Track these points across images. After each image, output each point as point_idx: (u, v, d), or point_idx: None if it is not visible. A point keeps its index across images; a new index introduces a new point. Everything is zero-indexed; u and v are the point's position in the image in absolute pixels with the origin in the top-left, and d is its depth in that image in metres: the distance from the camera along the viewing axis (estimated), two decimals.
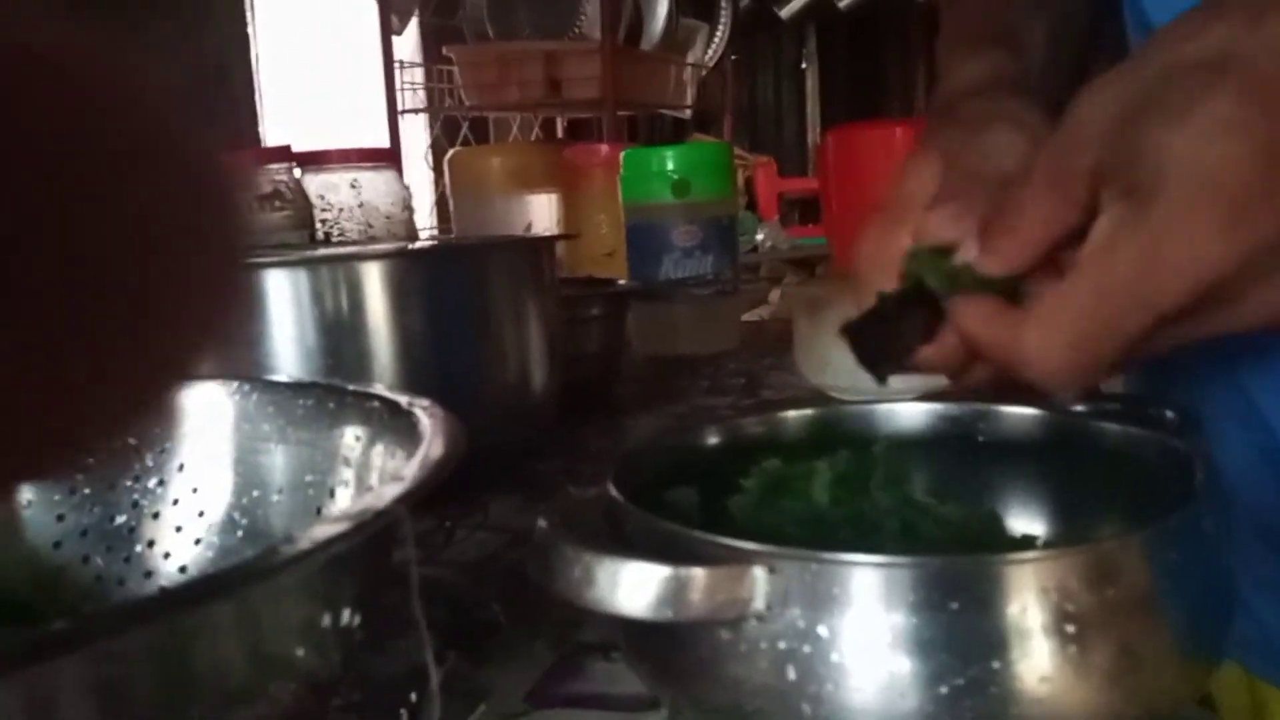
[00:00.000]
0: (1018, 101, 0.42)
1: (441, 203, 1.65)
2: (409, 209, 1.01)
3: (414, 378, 0.63)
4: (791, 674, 0.29)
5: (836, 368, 0.82)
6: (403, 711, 0.40)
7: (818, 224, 2.31)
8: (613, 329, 0.91)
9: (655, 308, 1.02)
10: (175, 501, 0.45)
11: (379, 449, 0.39)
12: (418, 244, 0.86)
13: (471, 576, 0.54)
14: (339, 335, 0.61)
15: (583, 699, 0.40)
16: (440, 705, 0.40)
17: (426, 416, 0.36)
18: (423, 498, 0.28)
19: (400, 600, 0.48)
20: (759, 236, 2.17)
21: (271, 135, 1.00)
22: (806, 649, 0.29)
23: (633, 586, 0.29)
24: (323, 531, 0.24)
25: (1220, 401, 0.47)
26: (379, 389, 0.40)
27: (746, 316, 1.14)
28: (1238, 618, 0.32)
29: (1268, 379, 0.45)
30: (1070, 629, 0.28)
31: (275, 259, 0.62)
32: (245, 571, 0.22)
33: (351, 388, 0.41)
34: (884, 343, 0.39)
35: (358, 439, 0.40)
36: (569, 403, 0.78)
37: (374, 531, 0.26)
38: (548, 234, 1.05)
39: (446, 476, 0.29)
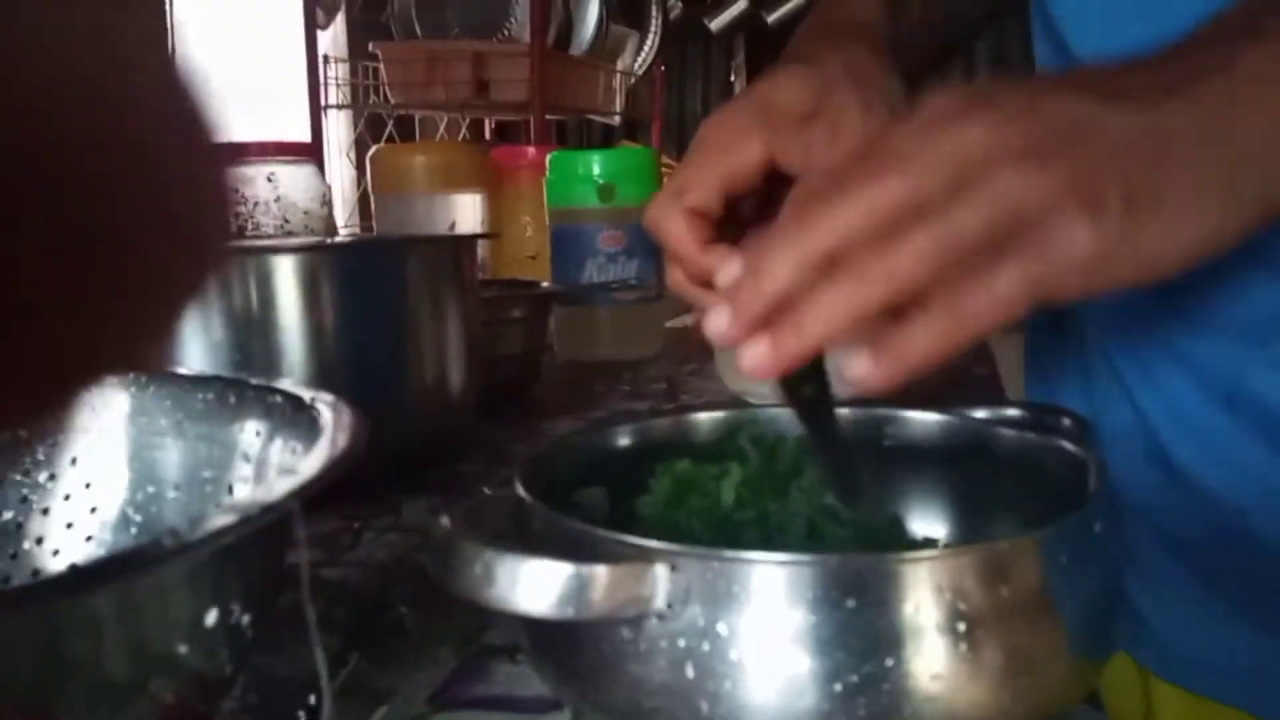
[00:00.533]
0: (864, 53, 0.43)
1: (364, 201, 1.62)
2: (328, 205, 0.99)
3: (326, 376, 0.62)
4: (690, 672, 0.29)
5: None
6: (300, 714, 0.39)
7: None
8: (534, 332, 0.91)
9: (578, 312, 1.01)
10: (66, 497, 0.43)
11: (279, 444, 0.38)
12: (333, 239, 0.85)
13: (379, 578, 0.53)
14: (247, 330, 0.60)
15: (486, 701, 0.40)
16: (340, 707, 0.39)
17: (329, 411, 0.35)
18: (330, 496, 0.27)
19: (297, 600, 0.47)
20: None
21: None
22: (705, 647, 0.29)
23: (533, 585, 0.29)
24: (210, 524, 0.23)
25: (1111, 404, 0.49)
26: (282, 384, 0.39)
27: (670, 323, 1.14)
28: (1129, 618, 0.33)
29: (1137, 366, 0.46)
30: (963, 627, 0.28)
31: None
32: (126, 562, 0.21)
33: (254, 381, 0.40)
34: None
35: (258, 434, 0.39)
36: (488, 405, 0.78)
37: (264, 526, 0.25)
38: (469, 233, 1.04)
39: (345, 472, 0.28)
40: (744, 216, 0.45)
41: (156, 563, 0.21)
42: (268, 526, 0.26)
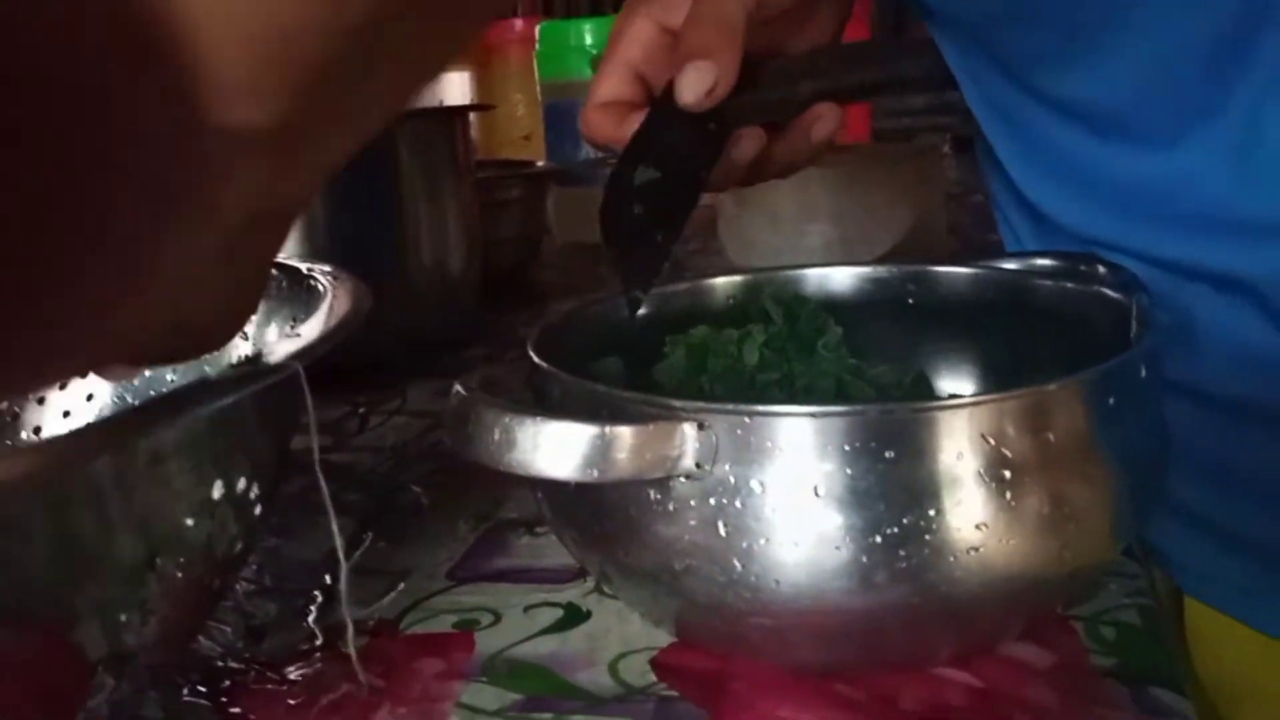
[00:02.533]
0: None
1: None
2: None
3: (321, 260, 0.59)
4: (723, 530, 0.28)
5: (762, 249, 0.81)
6: (316, 593, 0.38)
7: None
8: (532, 213, 0.88)
9: (576, 192, 0.98)
10: (60, 385, 0.41)
11: (277, 320, 0.36)
12: None
13: (390, 460, 0.52)
14: None
15: (506, 573, 0.39)
16: (359, 585, 0.39)
17: (327, 280, 0.33)
18: (333, 381, 0.25)
19: (310, 484, 0.46)
20: None
21: None
22: (738, 504, 0.28)
23: (556, 448, 0.28)
24: (210, 384, 0.21)
25: None
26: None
27: None
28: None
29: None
30: (1008, 475, 0.27)
31: None
32: (121, 423, 0.20)
33: None
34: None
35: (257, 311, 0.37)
36: (489, 290, 0.76)
37: (268, 395, 0.23)
38: (460, 105, 1.00)
39: (347, 345, 0.26)
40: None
41: (158, 421, 0.19)
42: (272, 396, 0.25)
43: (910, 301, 0.42)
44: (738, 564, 0.28)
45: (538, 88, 1.01)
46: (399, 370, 0.65)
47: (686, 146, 0.39)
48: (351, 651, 0.29)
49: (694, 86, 0.38)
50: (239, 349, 0.38)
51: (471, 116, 0.82)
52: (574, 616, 0.35)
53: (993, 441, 0.27)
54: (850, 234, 0.76)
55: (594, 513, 0.30)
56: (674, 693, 0.31)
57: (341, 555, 0.27)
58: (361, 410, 0.59)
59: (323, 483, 0.27)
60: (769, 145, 0.41)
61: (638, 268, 0.37)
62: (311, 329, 0.26)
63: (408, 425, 0.57)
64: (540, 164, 0.95)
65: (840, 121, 0.42)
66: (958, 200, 1.13)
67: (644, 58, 0.43)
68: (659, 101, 0.41)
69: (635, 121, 0.41)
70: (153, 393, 0.40)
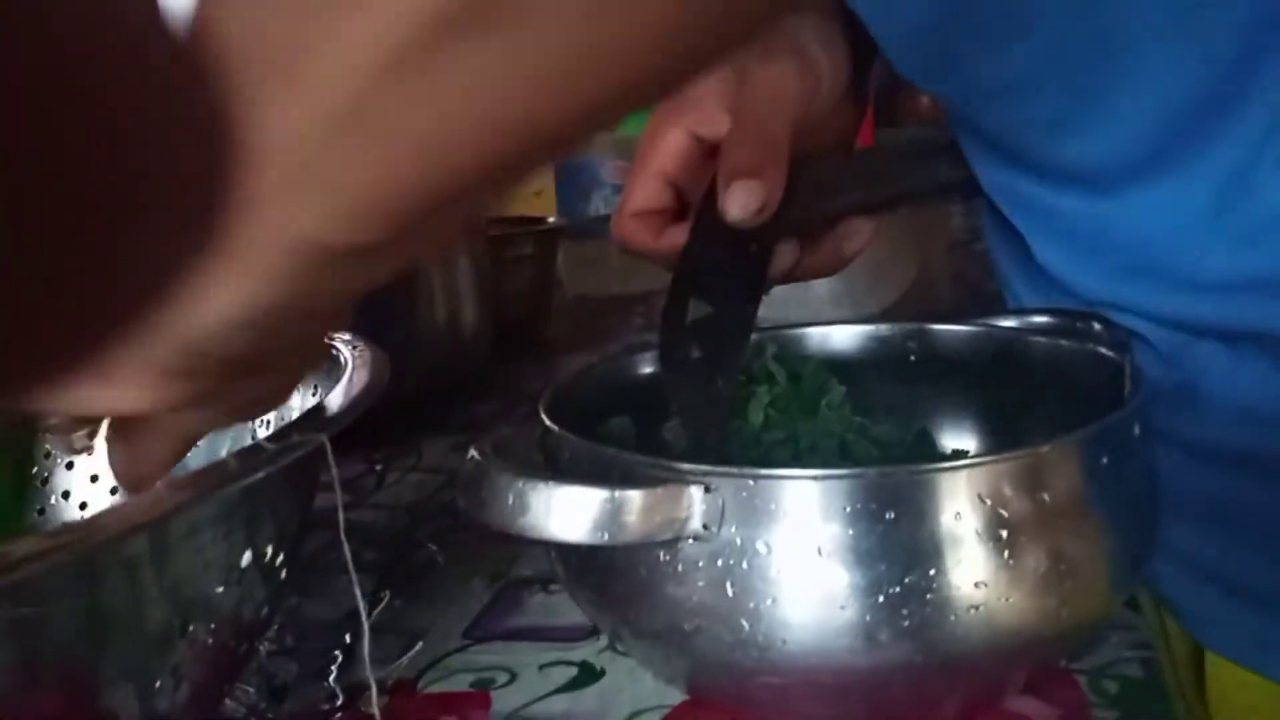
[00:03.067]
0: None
1: None
2: None
3: None
4: (730, 591, 0.29)
5: (769, 298, 0.82)
6: (337, 653, 0.39)
7: None
8: (543, 268, 0.90)
9: (586, 246, 1.00)
10: (89, 450, 0.43)
11: (299, 389, 0.38)
12: None
13: (405, 518, 0.53)
14: None
15: (521, 632, 0.40)
16: (376, 645, 0.39)
17: (346, 349, 0.34)
18: (350, 440, 0.26)
19: (329, 543, 0.47)
20: None
21: None
22: (745, 565, 0.29)
23: (567, 512, 0.29)
24: (240, 460, 0.22)
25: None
26: None
27: None
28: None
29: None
30: (1005, 535, 0.28)
31: None
32: (160, 500, 0.21)
33: None
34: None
35: None
36: (500, 344, 0.77)
37: (295, 461, 0.24)
38: None
39: (366, 411, 0.28)
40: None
41: (193, 497, 0.20)
42: (297, 464, 0.26)
43: (912, 359, 0.43)
44: (745, 624, 0.29)
45: None
46: (413, 425, 0.66)
47: (732, 273, 0.39)
48: (375, 712, 0.29)
49: (743, 204, 0.37)
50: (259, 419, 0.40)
51: None
52: (588, 675, 0.36)
53: (989, 502, 0.28)
54: (856, 286, 0.77)
55: (606, 574, 0.31)
56: None
57: (364, 617, 0.28)
58: (379, 467, 0.60)
59: (346, 548, 0.28)
60: (799, 257, 0.42)
61: (703, 421, 0.37)
62: (335, 399, 0.28)
63: (423, 482, 0.58)
64: (551, 220, 0.97)
65: (872, 236, 0.42)
66: (963, 247, 1.14)
67: (677, 167, 0.43)
68: (699, 222, 0.40)
69: (671, 233, 0.41)
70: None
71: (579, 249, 1.00)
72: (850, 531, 0.28)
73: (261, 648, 0.40)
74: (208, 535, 0.23)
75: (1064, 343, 0.39)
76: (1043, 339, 0.40)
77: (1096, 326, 0.39)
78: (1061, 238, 0.44)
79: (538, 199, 1.16)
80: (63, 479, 0.42)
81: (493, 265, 0.75)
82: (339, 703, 0.36)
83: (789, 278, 0.43)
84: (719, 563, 0.29)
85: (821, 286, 0.81)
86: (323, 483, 0.35)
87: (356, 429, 0.55)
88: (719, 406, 0.37)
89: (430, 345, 0.68)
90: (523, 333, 0.87)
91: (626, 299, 1.01)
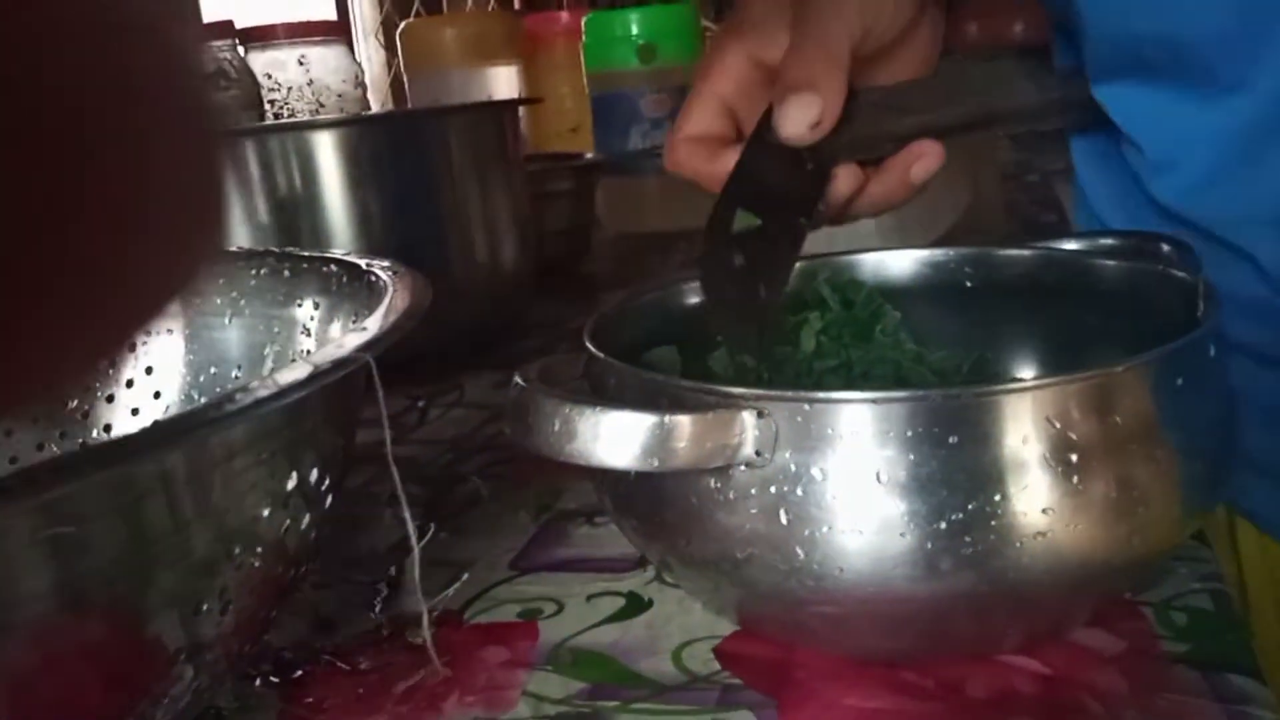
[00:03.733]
0: None
1: (396, 85, 1.58)
2: (361, 85, 0.96)
3: (376, 255, 0.60)
4: (784, 518, 0.28)
5: (815, 235, 0.80)
6: (382, 585, 0.39)
7: None
8: (582, 205, 0.88)
9: (624, 182, 0.98)
10: (129, 384, 0.43)
11: (339, 316, 0.37)
12: (371, 113, 0.82)
13: (449, 453, 0.53)
14: (292, 212, 0.58)
15: (568, 563, 0.39)
16: (423, 577, 0.39)
17: (387, 274, 0.33)
18: (392, 373, 0.26)
19: (373, 477, 0.47)
20: None
21: (209, 9, 0.93)
22: (799, 492, 0.28)
23: (616, 437, 0.28)
24: (282, 377, 0.22)
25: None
26: (335, 253, 0.38)
27: None
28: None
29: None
30: (1073, 459, 0.27)
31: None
32: (198, 418, 0.20)
33: (306, 253, 0.39)
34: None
35: (316, 306, 0.38)
36: (540, 282, 0.76)
37: (338, 383, 0.24)
38: (509, 99, 1.00)
39: (413, 327, 0.27)
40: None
41: (235, 416, 0.20)
42: (340, 389, 0.25)
43: (969, 285, 0.41)
44: (800, 552, 0.28)
45: (584, 79, 1.01)
46: (455, 363, 0.66)
47: (785, 188, 0.37)
48: (426, 636, 0.29)
49: (797, 119, 0.36)
50: (302, 344, 0.39)
51: (520, 110, 0.83)
52: (636, 605, 0.36)
53: (1058, 425, 0.27)
54: (906, 217, 0.74)
55: (654, 503, 0.31)
56: (738, 680, 0.31)
57: (415, 541, 0.27)
58: (421, 404, 0.60)
59: (394, 470, 0.28)
60: (864, 184, 0.39)
61: (741, 328, 0.35)
62: (376, 322, 0.27)
63: (466, 418, 0.58)
64: (589, 155, 0.95)
65: (942, 159, 0.39)
66: (1016, 179, 1.11)
67: (735, 91, 0.41)
68: (754, 138, 0.39)
69: (726, 157, 0.39)
70: (219, 389, 0.41)
71: (618, 185, 0.99)
72: (911, 457, 0.27)
73: (308, 579, 0.40)
74: (250, 457, 0.23)
75: (1133, 264, 0.37)
76: (1110, 261, 0.38)
77: (1165, 248, 0.37)
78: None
79: (574, 135, 1.14)
80: (104, 412, 0.42)
81: (531, 202, 0.73)
82: (386, 633, 0.36)
83: (851, 209, 0.40)
84: (772, 489, 0.28)
85: (869, 220, 0.79)
86: (363, 419, 0.34)
87: (397, 367, 0.55)
88: (761, 316, 0.36)
89: (470, 283, 0.67)
90: (563, 270, 0.86)
91: (667, 236, 1.00)
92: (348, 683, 0.33)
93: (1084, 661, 0.30)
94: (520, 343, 0.71)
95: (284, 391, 0.20)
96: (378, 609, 0.37)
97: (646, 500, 0.31)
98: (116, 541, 0.21)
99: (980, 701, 0.29)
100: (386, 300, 0.29)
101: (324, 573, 0.41)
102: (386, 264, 0.35)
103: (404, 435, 0.56)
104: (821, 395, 0.28)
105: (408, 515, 0.26)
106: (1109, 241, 0.39)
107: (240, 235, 0.58)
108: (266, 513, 0.24)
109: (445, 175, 0.64)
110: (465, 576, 0.39)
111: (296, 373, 0.21)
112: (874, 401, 0.27)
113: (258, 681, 0.33)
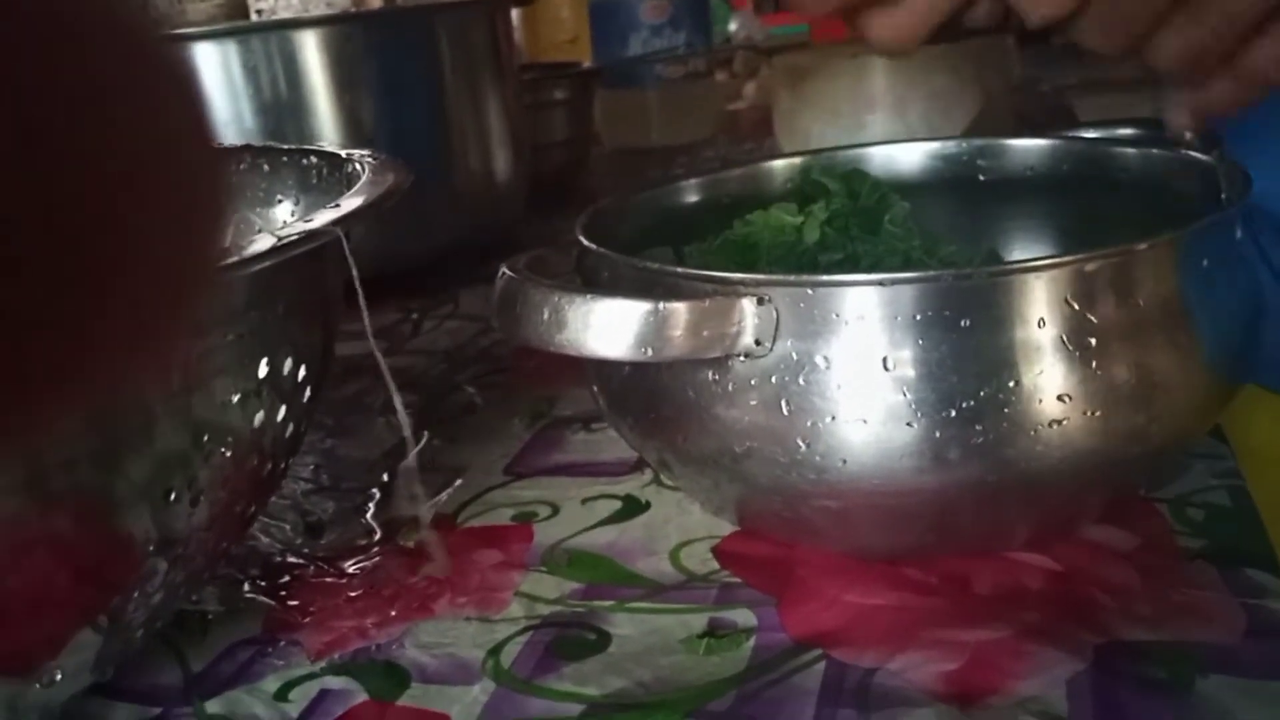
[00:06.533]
0: None
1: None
2: None
3: None
4: (785, 409, 0.26)
5: (820, 142, 0.78)
6: (375, 490, 0.38)
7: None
8: (578, 116, 0.86)
9: (623, 95, 0.96)
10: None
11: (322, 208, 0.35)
12: (355, 10, 0.79)
13: (443, 363, 0.51)
14: (277, 117, 0.56)
15: (564, 467, 0.38)
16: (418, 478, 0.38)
17: (369, 163, 0.32)
18: (385, 285, 0.24)
19: (364, 387, 0.46)
20: (731, 27, 2.05)
21: None
22: (802, 381, 0.26)
23: (607, 326, 0.26)
24: (246, 254, 0.20)
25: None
26: (316, 145, 0.36)
27: (731, 106, 1.08)
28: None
29: None
30: (1092, 342, 0.25)
31: (199, 30, 0.56)
32: None
33: (285, 146, 0.37)
34: None
35: (297, 203, 0.37)
36: (536, 197, 0.74)
37: (311, 265, 0.22)
38: None
39: (389, 206, 0.25)
40: None
41: None
42: (314, 270, 0.24)
43: (981, 178, 0.39)
44: (801, 444, 0.26)
45: None
46: (450, 277, 0.64)
47: None
48: (427, 536, 0.28)
49: None
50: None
51: (515, 21, 0.79)
52: (633, 508, 0.35)
53: (1077, 306, 0.25)
54: (913, 124, 0.72)
55: (650, 398, 0.29)
56: (737, 579, 0.30)
57: (410, 439, 0.26)
58: (414, 315, 0.59)
59: (384, 365, 0.27)
60: None
61: None
62: (352, 201, 0.25)
63: (461, 329, 0.56)
64: (586, 64, 0.92)
65: None
66: (1028, 88, 1.08)
67: None
68: None
69: None
70: None
71: (616, 98, 0.96)
72: (920, 342, 0.25)
73: (297, 486, 0.39)
74: (215, 338, 0.21)
75: (1152, 150, 0.35)
76: (1128, 149, 0.36)
77: (1188, 133, 0.35)
78: None
79: (572, 46, 1.10)
80: None
81: (526, 113, 0.71)
82: (376, 538, 0.35)
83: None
84: (773, 379, 0.27)
85: (875, 128, 0.77)
86: (354, 330, 0.33)
87: (391, 279, 0.53)
88: None
89: (463, 196, 0.65)
90: (559, 184, 0.83)
91: (667, 150, 0.97)
92: (336, 587, 0.32)
93: (1096, 557, 0.29)
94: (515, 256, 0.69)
95: (247, 261, 0.19)
96: (369, 514, 0.36)
97: (642, 396, 0.30)
98: (78, 425, 0.20)
99: (986, 597, 0.28)
100: (362, 182, 0.27)
101: (315, 479, 0.40)
102: (368, 154, 0.33)
103: (398, 346, 0.54)
104: (825, 279, 0.26)
105: (401, 412, 0.25)
106: (1127, 130, 0.37)
107: (224, 140, 0.56)
108: (236, 399, 0.22)
109: (435, 76, 0.61)
110: (459, 482, 0.38)
111: (261, 244, 0.20)
112: (880, 284, 0.25)
113: (245, 586, 0.33)
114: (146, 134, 0.10)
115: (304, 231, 0.21)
